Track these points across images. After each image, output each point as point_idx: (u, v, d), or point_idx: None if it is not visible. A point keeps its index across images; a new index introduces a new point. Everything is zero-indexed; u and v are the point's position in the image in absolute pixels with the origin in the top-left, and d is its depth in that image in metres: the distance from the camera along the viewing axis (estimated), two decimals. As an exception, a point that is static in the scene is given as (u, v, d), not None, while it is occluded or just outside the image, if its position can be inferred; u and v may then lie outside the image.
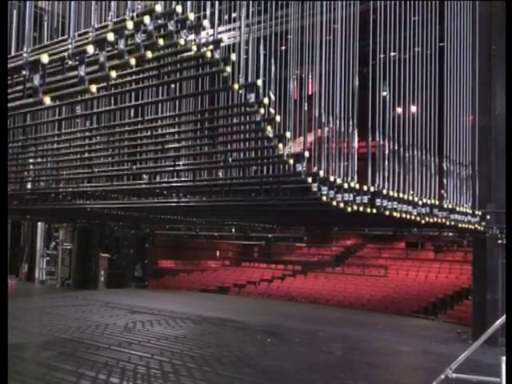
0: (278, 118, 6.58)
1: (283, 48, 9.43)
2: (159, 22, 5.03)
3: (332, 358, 11.08)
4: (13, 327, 11.29)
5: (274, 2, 9.27)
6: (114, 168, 9.91)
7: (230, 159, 8.29)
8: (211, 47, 5.32)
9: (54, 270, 23.01)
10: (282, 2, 9.40)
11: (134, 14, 5.19)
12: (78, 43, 4.88)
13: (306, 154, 7.27)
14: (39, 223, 23.41)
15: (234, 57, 5.51)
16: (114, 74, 4.62)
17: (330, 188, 7.83)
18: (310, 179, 7.45)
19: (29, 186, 11.80)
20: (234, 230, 19.73)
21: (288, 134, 6.85)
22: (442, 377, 4.92)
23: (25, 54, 4.89)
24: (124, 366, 9.28)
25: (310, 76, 9.38)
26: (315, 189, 7.56)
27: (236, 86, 5.83)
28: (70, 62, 4.72)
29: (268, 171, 8.60)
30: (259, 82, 6.07)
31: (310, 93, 9.54)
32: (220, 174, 9.56)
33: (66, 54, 4.73)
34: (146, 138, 8.23)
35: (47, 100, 4.45)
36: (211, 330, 13.55)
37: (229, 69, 5.43)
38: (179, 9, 5.03)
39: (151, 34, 4.88)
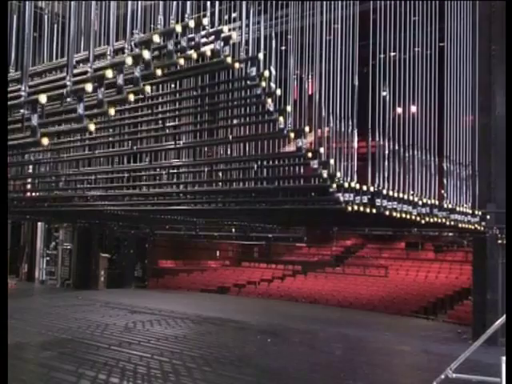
0: (278, 92, 6.52)
1: (283, 48, 9.42)
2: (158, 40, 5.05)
3: (332, 357, 11.09)
4: (13, 327, 11.28)
5: (274, 2, 9.27)
6: (114, 149, 9.68)
7: (231, 136, 8.29)
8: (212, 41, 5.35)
9: (54, 270, 23.01)
10: (282, 2, 9.40)
11: (132, 44, 5.16)
12: (76, 78, 4.84)
13: (307, 128, 7.19)
14: (39, 223, 23.42)
15: (234, 36, 5.48)
16: (112, 111, 4.63)
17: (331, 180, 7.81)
18: (310, 154, 7.33)
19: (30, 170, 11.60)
20: (233, 230, 19.73)
21: (289, 108, 6.80)
22: (442, 377, 4.92)
23: (23, 93, 4.95)
24: (124, 366, 9.29)
25: (310, 76, 9.37)
26: (315, 165, 7.47)
27: (237, 65, 5.72)
28: (68, 99, 4.78)
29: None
30: (260, 56, 6.06)
31: (310, 93, 9.54)
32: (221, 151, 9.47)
33: (64, 91, 4.74)
34: (146, 115, 8.10)
35: (45, 141, 4.53)
36: (211, 330, 13.55)
37: (229, 59, 5.43)
38: (179, 28, 5.04)
39: (149, 65, 4.88)
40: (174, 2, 5.64)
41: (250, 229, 19.17)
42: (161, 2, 5.52)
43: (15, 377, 8.10)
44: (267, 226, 18.43)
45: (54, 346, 10.80)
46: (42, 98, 4.36)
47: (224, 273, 26.95)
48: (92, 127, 4.55)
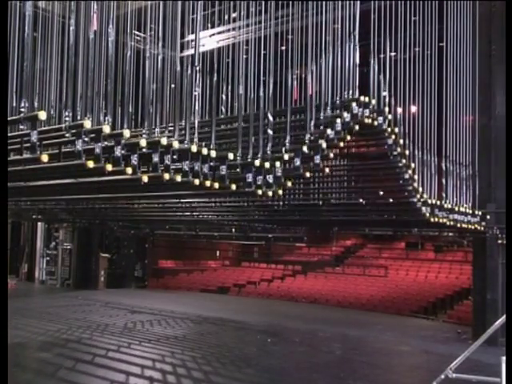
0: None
1: (283, 48, 9.41)
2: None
3: (332, 357, 11.08)
4: (13, 327, 11.28)
5: (274, 2, 9.25)
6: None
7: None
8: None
9: (54, 270, 23.01)
10: (283, 2, 9.38)
11: None
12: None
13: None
14: (39, 223, 23.41)
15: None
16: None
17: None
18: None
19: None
20: (234, 230, 19.68)
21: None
22: (442, 377, 4.92)
23: (23, 109, 5.17)
24: (124, 367, 9.29)
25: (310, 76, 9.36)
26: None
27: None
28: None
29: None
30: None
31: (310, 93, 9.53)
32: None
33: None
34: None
35: (45, 158, 4.77)
36: (211, 330, 13.55)
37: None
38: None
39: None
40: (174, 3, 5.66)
41: (250, 229, 19.15)
42: (161, 3, 5.54)
43: (15, 377, 8.09)
44: (267, 226, 18.42)
45: (54, 346, 10.79)
46: (42, 115, 5.02)
47: (224, 273, 26.94)
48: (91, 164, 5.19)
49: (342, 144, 7.66)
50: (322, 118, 7.76)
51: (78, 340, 11.35)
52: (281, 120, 8.10)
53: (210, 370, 9.32)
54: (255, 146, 6.73)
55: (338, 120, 7.52)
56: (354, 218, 13.16)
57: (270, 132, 7.07)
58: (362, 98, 8.14)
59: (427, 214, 10.19)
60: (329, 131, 7.35)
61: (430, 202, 10.19)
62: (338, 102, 8.12)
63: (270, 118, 7.11)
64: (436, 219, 10.48)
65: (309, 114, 7.53)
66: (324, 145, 7.11)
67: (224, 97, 10.09)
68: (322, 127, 7.58)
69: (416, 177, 9.68)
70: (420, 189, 9.86)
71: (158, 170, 5.47)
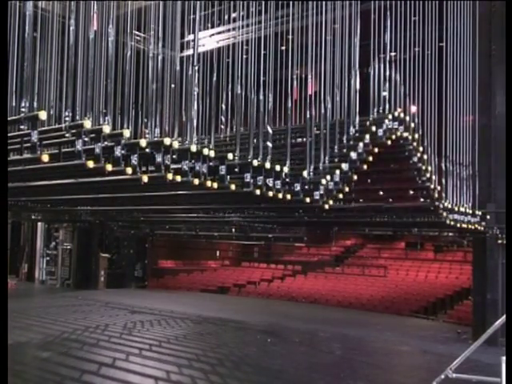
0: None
1: (283, 48, 9.41)
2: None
3: (332, 357, 11.08)
4: (13, 327, 11.27)
5: (274, 2, 9.26)
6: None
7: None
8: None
9: (54, 270, 22.98)
10: (283, 2, 9.38)
11: None
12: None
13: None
14: (39, 223, 23.40)
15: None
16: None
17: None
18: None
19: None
20: (234, 229, 19.66)
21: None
22: (442, 377, 4.92)
23: (23, 109, 5.20)
24: (124, 367, 9.29)
25: (310, 76, 9.37)
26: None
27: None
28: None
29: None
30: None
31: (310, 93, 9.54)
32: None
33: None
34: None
35: (45, 158, 4.80)
36: (211, 330, 13.54)
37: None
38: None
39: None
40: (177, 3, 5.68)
41: (250, 229, 19.13)
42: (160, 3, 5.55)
43: (14, 377, 8.09)
44: (267, 226, 18.40)
45: (54, 346, 10.79)
46: (42, 115, 4.98)
47: (224, 273, 26.94)
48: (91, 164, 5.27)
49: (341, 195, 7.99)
50: (320, 167, 7.78)
51: (78, 340, 11.33)
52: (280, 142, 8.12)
53: (210, 369, 9.32)
54: (255, 147, 6.71)
55: (338, 171, 7.74)
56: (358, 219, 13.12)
57: (270, 144, 7.02)
58: (361, 145, 8.13)
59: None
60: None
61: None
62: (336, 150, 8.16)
63: (270, 131, 7.06)
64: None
65: (308, 160, 7.53)
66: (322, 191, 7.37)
67: (224, 97, 10.06)
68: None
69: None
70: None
71: (160, 171, 5.44)
